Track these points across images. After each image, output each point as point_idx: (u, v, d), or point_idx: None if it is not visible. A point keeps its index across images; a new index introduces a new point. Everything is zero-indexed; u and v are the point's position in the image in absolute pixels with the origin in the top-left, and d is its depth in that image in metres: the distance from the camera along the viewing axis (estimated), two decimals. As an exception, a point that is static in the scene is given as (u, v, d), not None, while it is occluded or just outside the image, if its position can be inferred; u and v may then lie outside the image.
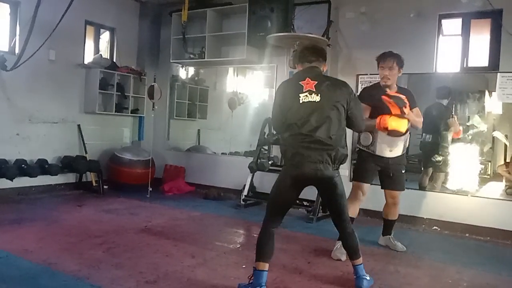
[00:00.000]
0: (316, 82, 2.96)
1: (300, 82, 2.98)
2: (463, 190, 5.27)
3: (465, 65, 5.30)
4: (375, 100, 3.74)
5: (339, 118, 2.95)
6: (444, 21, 5.38)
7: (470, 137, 5.87)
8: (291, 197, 3.06)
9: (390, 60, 3.86)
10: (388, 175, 3.99)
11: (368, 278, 3.14)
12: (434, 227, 5.18)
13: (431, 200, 5.28)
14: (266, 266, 2.96)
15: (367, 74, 5.60)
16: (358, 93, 4.23)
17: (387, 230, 4.31)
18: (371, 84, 4.47)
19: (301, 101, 2.92)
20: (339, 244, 3.79)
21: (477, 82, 5.82)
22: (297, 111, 2.93)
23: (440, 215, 5.16)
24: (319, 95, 2.92)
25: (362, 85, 5.62)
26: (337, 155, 2.93)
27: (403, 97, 3.63)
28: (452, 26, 5.46)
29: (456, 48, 5.36)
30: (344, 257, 3.75)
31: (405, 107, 3.58)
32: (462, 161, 5.54)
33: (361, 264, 3.14)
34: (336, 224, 3.14)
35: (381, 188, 4.10)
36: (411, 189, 5.47)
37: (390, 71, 3.86)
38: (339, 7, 5.85)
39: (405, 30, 5.40)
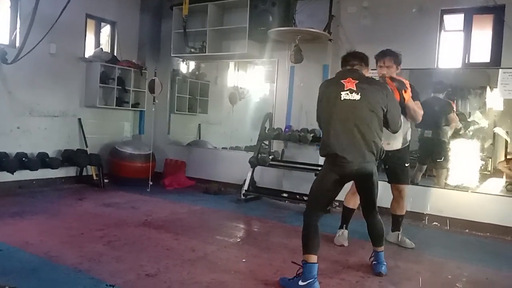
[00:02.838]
0: (357, 81, 3.10)
1: (341, 81, 3.12)
2: (463, 186, 5.27)
3: (466, 61, 5.28)
4: None
5: (378, 117, 3.10)
6: (446, 16, 5.35)
7: (471, 133, 5.87)
8: (334, 193, 3.19)
9: (388, 59, 3.92)
10: (390, 169, 4.02)
11: (386, 264, 3.40)
12: (434, 223, 5.19)
13: (432, 196, 5.28)
14: (315, 259, 3.01)
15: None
16: None
17: (396, 226, 4.29)
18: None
19: (342, 99, 3.06)
20: (340, 231, 4.16)
21: (478, 78, 5.82)
22: (339, 108, 3.07)
23: (440, 211, 5.16)
24: (359, 94, 3.06)
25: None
26: (377, 151, 3.11)
27: (406, 82, 3.71)
28: (454, 21, 5.44)
29: (458, 43, 5.34)
30: (346, 242, 4.02)
31: (405, 92, 3.67)
32: (462, 157, 5.54)
33: (383, 251, 3.43)
34: (367, 212, 3.34)
35: (388, 182, 4.13)
36: (412, 184, 5.48)
37: (388, 69, 3.91)
38: (341, 2, 5.83)
39: (407, 25, 5.38)
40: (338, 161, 3.04)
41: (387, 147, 3.86)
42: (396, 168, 4.02)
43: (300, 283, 2.94)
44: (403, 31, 5.38)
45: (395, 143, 3.93)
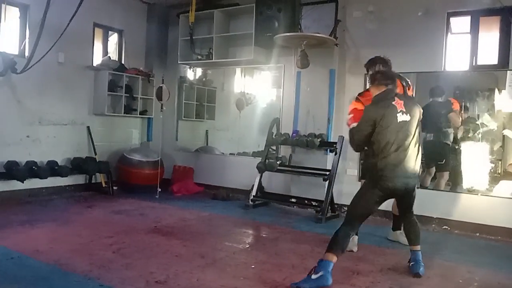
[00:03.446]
0: (403, 102, 3.29)
1: (393, 103, 3.26)
2: (473, 189, 5.22)
3: (474, 63, 5.26)
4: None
5: (418, 133, 3.34)
6: (452, 19, 5.34)
7: (480, 135, 5.82)
8: (375, 208, 3.35)
9: (380, 66, 3.94)
10: None
11: (424, 265, 3.50)
12: (444, 227, 5.15)
13: (441, 199, 5.25)
14: (335, 259, 3.12)
15: (375, 73, 5.58)
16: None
17: (396, 225, 4.41)
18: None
19: (398, 120, 3.22)
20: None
21: (486, 80, 5.77)
22: (395, 129, 3.21)
23: (450, 215, 5.12)
24: (408, 114, 3.25)
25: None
26: (419, 167, 3.35)
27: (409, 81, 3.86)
28: (460, 24, 5.42)
29: (465, 46, 5.32)
30: (356, 248, 4.03)
31: (409, 89, 3.81)
32: (472, 160, 5.50)
33: (420, 250, 3.54)
34: (405, 216, 3.60)
35: None
36: (421, 188, 5.45)
37: None
38: (347, 6, 5.84)
39: (413, 28, 5.37)
40: (389, 179, 3.20)
41: None
42: None
43: (312, 276, 3.05)
44: (409, 35, 5.38)
45: None
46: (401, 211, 3.66)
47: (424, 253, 4.08)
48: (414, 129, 3.28)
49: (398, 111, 3.23)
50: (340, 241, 3.17)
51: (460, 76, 5.71)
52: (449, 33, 5.35)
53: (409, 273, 3.48)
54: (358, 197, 3.33)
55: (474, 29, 5.24)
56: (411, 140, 3.25)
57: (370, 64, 4.02)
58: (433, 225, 5.20)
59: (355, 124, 3.47)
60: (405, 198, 3.45)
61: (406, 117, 3.23)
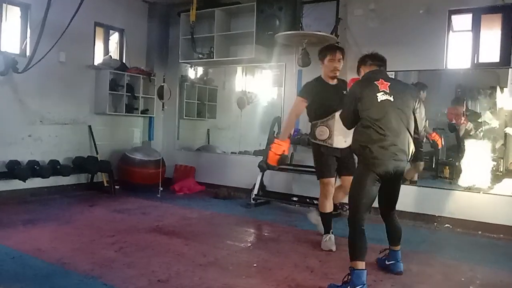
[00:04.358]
0: (389, 83, 3.20)
1: (375, 82, 3.18)
2: (475, 187, 5.21)
3: (476, 61, 5.23)
4: (321, 93, 4.00)
5: (409, 118, 3.19)
6: (454, 17, 5.32)
7: (482, 133, 5.81)
8: (375, 193, 3.19)
9: (339, 53, 4.06)
10: (343, 163, 4.10)
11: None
12: (446, 225, 5.14)
13: (443, 198, 5.23)
14: (364, 265, 3.00)
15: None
16: (302, 87, 4.24)
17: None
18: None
19: (379, 100, 3.12)
20: (327, 237, 4.09)
21: (488, 78, 5.77)
22: (376, 110, 3.11)
23: (452, 213, 5.11)
24: (392, 96, 3.14)
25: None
26: (410, 151, 3.20)
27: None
28: (462, 21, 5.40)
29: (466, 44, 5.30)
30: (334, 247, 4.00)
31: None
32: (474, 158, 5.49)
33: (400, 250, 3.49)
34: (389, 211, 3.46)
35: (338, 176, 4.18)
36: (423, 186, 5.46)
37: (339, 63, 4.04)
38: (348, 4, 5.82)
39: (415, 26, 5.36)
40: (380, 162, 3.08)
41: (344, 145, 4.02)
42: (348, 161, 4.08)
43: None
44: (410, 33, 5.37)
45: (350, 139, 4.00)
46: (385, 204, 3.46)
47: (426, 252, 4.10)
48: (403, 112, 3.14)
49: (380, 90, 3.13)
50: (358, 243, 3.05)
51: (462, 74, 5.71)
52: (450, 31, 5.33)
53: (388, 270, 3.48)
54: (357, 185, 3.18)
55: (476, 27, 5.22)
56: (401, 123, 3.11)
57: (331, 50, 4.09)
58: (435, 224, 5.19)
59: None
60: (394, 184, 3.27)
61: (389, 98, 3.11)
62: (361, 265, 2.98)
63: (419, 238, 4.51)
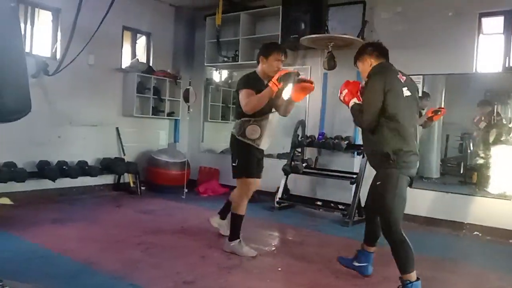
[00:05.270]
0: (405, 78, 3.04)
1: (397, 76, 3.01)
2: (505, 194, 5.07)
3: (507, 65, 5.10)
4: (260, 88, 3.67)
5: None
6: (484, 19, 5.20)
7: (512, 139, 5.66)
8: (406, 197, 2.97)
9: (285, 54, 3.85)
10: (261, 165, 4.00)
11: None
12: (475, 233, 5.01)
13: (472, 205, 5.11)
14: (415, 275, 2.86)
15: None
16: (244, 81, 3.85)
17: (226, 213, 4.35)
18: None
19: (404, 95, 2.96)
20: (241, 242, 3.90)
21: (520, 82, 5.61)
22: (403, 106, 2.94)
23: (482, 220, 4.99)
24: (409, 91, 2.99)
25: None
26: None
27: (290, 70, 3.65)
28: (493, 24, 5.28)
29: (497, 47, 5.18)
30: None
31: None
32: (504, 164, 5.35)
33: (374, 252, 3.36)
34: (374, 216, 3.20)
35: (235, 177, 3.98)
36: (451, 193, 5.35)
37: (283, 64, 3.83)
38: (374, 7, 5.76)
39: (443, 29, 5.27)
40: (410, 163, 2.93)
41: (266, 147, 3.95)
42: (261, 164, 4.03)
43: None
44: (439, 36, 5.28)
45: (270, 142, 4.01)
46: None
47: (453, 259, 4.01)
48: (416, 108, 3.08)
49: (404, 84, 2.97)
50: (409, 254, 2.85)
51: (492, 78, 5.56)
52: (480, 34, 5.21)
53: (356, 273, 3.39)
54: (390, 191, 2.88)
55: (507, 29, 5.09)
56: (415, 121, 3.06)
57: (278, 50, 3.81)
58: (464, 231, 5.07)
59: (355, 100, 3.12)
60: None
61: (409, 93, 2.97)
62: (415, 276, 2.85)
63: (447, 245, 4.41)
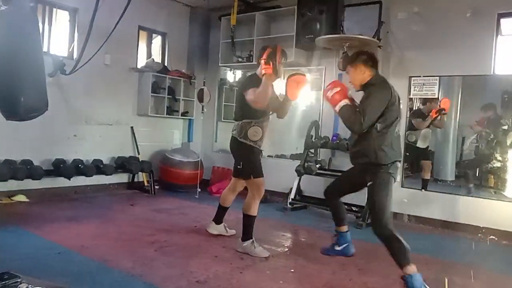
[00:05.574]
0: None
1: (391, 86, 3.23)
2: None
3: (526, 66, 5.02)
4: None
5: None
6: (503, 20, 5.11)
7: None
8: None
9: (285, 56, 4.02)
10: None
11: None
12: (491, 237, 4.93)
13: (488, 208, 5.04)
14: (413, 267, 3.00)
15: (420, 76, 5.45)
16: (248, 81, 4.01)
17: (221, 218, 4.48)
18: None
19: (401, 107, 3.27)
20: (254, 242, 3.95)
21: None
22: (397, 116, 3.21)
23: (498, 224, 4.90)
24: (400, 102, 3.27)
25: (414, 87, 5.48)
26: None
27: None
28: None
29: (516, 48, 5.09)
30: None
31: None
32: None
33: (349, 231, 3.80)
34: (339, 198, 3.75)
35: (244, 178, 4.12)
36: (466, 196, 5.28)
37: (282, 65, 3.97)
38: (391, 7, 5.71)
39: (461, 30, 5.20)
40: (397, 166, 3.24)
41: (263, 147, 4.09)
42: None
43: None
44: (456, 36, 5.21)
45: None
46: (343, 193, 3.73)
47: (470, 263, 3.95)
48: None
49: (399, 97, 3.25)
50: (402, 249, 3.00)
51: (510, 80, 5.48)
52: (499, 35, 5.13)
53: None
54: (383, 191, 3.15)
55: (527, 30, 5.01)
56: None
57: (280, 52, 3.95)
58: (480, 235, 4.99)
59: (348, 102, 3.18)
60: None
61: (401, 106, 3.28)
62: (413, 268, 2.97)
63: (463, 249, 4.36)
